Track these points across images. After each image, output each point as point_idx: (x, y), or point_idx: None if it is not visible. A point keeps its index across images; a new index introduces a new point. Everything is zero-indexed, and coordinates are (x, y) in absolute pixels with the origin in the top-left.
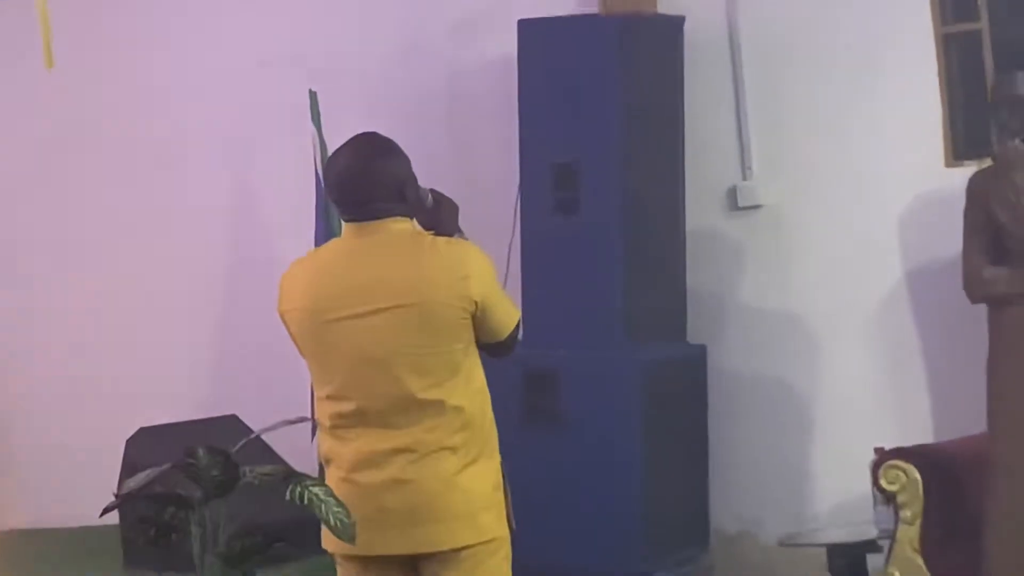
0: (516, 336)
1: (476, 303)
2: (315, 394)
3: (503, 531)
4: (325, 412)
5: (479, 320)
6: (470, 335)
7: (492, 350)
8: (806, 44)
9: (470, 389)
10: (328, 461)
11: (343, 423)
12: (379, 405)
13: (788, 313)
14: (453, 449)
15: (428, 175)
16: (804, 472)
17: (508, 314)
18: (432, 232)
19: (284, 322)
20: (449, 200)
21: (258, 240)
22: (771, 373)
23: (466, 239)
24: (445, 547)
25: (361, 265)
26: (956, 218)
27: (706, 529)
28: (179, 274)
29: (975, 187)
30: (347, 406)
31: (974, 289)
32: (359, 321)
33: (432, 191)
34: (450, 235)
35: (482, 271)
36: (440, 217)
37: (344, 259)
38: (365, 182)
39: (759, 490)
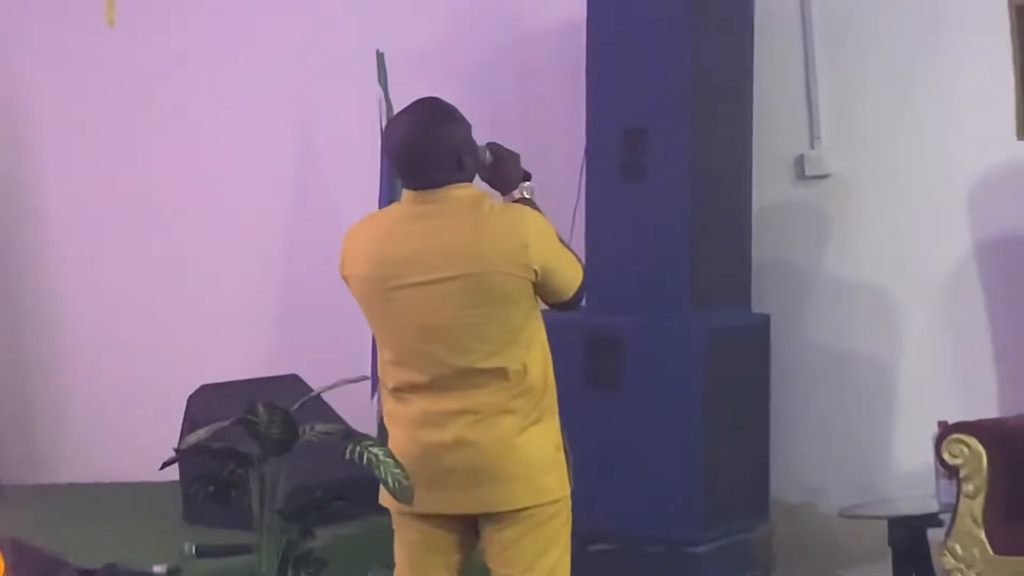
0: (582, 292)
1: (536, 271)
2: (378, 356)
3: (564, 492)
4: (388, 375)
5: (541, 284)
6: (531, 300)
7: (558, 307)
8: (876, 13)
9: (531, 353)
10: (391, 420)
11: (405, 387)
12: (441, 372)
13: (854, 284)
14: (513, 412)
15: (494, 139)
16: (867, 444)
17: (571, 276)
18: (497, 188)
19: (348, 285)
20: (508, 153)
21: (321, 200)
22: (836, 344)
23: (530, 192)
24: (505, 508)
25: (421, 233)
26: None
27: (766, 498)
28: (241, 232)
29: None
30: (409, 373)
31: None
32: (420, 290)
33: (490, 146)
34: (513, 189)
35: (541, 237)
36: (503, 173)
37: (404, 226)
38: (423, 151)
39: (821, 461)
